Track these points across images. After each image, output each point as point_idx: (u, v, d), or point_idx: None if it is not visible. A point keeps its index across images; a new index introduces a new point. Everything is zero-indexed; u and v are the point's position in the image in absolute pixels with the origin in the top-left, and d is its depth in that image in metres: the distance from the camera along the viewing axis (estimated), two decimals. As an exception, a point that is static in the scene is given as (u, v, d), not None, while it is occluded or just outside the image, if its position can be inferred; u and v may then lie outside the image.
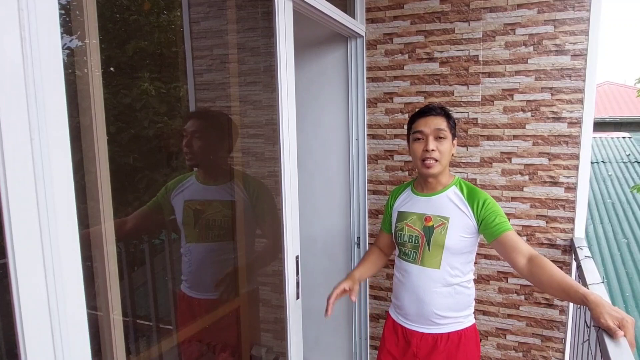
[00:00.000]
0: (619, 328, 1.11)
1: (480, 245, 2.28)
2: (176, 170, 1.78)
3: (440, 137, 1.59)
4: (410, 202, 1.71)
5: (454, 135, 1.65)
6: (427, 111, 1.64)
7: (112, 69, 1.50)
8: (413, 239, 1.65)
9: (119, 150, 1.44)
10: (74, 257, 0.75)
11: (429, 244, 1.61)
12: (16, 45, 0.65)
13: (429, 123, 1.60)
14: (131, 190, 1.64)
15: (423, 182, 1.69)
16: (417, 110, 1.70)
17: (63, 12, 0.73)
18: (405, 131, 1.98)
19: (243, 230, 1.81)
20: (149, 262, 1.72)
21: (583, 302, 1.25)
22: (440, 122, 1.60)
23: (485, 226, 1.57)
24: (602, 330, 1.14)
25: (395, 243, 1.75)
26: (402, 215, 1.71)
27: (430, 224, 1.62)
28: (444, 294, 1.61)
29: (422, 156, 1.59)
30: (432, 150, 1.57)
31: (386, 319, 1.83)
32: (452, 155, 1.66)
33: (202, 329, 1.75)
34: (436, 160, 1.58)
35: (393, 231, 1.75)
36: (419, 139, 1.61)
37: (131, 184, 1.63)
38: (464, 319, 1.67)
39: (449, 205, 1.62)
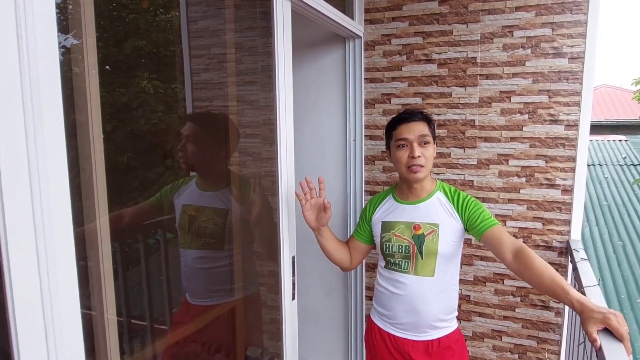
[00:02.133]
0: (609, 327, 1.12)
1: (477, 247, 2.29)
2: (171, 169, 1.77)
3: (425, 143, 1.59)
4: (395, 211, 1.68)
5: (434, 139, 1.65)
6: (408, 117, 1.62)
7: (107, 67, 1.49)
8: (403, 248, 1.63)
9: (115, 149, 1.44)
10: (69, 256, 0.74)
11: (421, 253, 1.60)
12: (12, 43, 0.65)
13: (412, 129, 1.58)
14: (127, 190, 1.63)
15: (407, 190, 1.67)
16: (396, 116, 1.68)
17: (60, 9, 0.72)
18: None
19: (234, 239, 1.78)
20: (144, 261, 1.71)
21: (571, 307, 1.26)
22: (423, 128, 1.59)
23: (471, 225, 1.58)
24: (598, 333, 1.14)
25: (381, 255, 1.72)
26: (387, 226, 1.68)
27: (420, 232, 1.61)
28: (439, 300, 1.61)
29: (408, 163, 1.58)
30: (419, 156, 1.56)
31: (369, 325, 1.80)
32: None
33: (196, 333, 1.73)
34: (422, 166, 1.57)
35: (379, 242, 1.70)
36: (403, 145, 1.59)
37: (127, 183, 1.62)
38: (450, 322, 1.67)
39: (437, 211, 1.61)
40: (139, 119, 1.65)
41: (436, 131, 2.26)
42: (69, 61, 1.11)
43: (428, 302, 1.60)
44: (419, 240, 1.60)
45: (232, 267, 1.80)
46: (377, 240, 1.72)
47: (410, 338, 1.64)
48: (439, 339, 1.63)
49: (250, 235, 1.86)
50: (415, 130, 1.58)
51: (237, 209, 1.75)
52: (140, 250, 1.71)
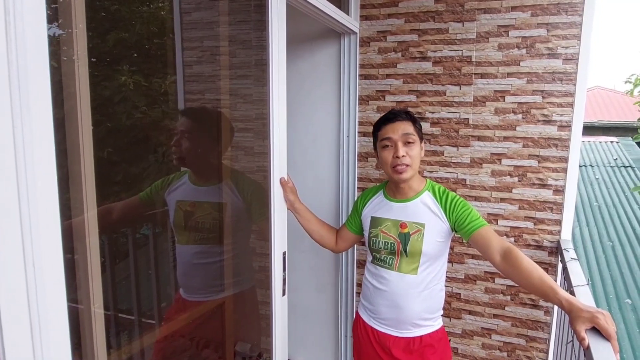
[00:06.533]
0: (597, 326, 1.13)
1: (469, 245, 2.30)
2: (165, 164, 1.75)
3: (409, 142, 1.58)
4: (384, 208, 1.70)
5: (421, 139, 1.65)
6: (392, 117, 1.62)
7: (94, 58, 1.46)
8: (389, 245, 1.64)
9: (104, 142, 1.41)
10: (55, 249, 0.73)
11: (405, 251, 1.61)
12: (0, 29, 0.63)
13: (396, 129, 1.59)
14: (115, 183, 1.60)
15: (395, 188, 1.68)
16: (381, 117, 1.68)
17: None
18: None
19: (233, 233, 1.77)
20: (132, 255, 1.69)
21: (560, 307, 1.27)
22: (408, 127, 1.59)
23: (459, 226, 1.58)
24: (586, 332, 1.15)
25: (368, 249, 1.74)
26: (376, 221, 1.70)
27: (405, 230, 1.62)
28: (421, 299, 1.62)
29: (393, 163, 1.58)
30: (403, 156, 1.56)
31: (356, 318, 1.82)
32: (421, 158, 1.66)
33: (187, 328, 1.72)
34: (407, 166, 1.57)
35: (367, 237, 1.73)
36: (387, 145, 1.60)
37: (115, 175, 1.59)
38: (433, 321, 1.68)
39: (424, 211, 1.62)
40: (121, 114, 1.61)
41: (428, 130, 2.28)
42: (57, 51, 1.08)
43: (410, 299, 1.61)
44: (404, 238, 1.61)
45: (231, 261, 1.79)
46: (366, 234, 1.74)
47: (391, 334, 1.66)
48: (420, 337, 1.64)
49: (247, 227, 1.85)
50: (399, 129, 1.58)
51: (234, 202, 1.74)
52: (128, 244, 1.69)
